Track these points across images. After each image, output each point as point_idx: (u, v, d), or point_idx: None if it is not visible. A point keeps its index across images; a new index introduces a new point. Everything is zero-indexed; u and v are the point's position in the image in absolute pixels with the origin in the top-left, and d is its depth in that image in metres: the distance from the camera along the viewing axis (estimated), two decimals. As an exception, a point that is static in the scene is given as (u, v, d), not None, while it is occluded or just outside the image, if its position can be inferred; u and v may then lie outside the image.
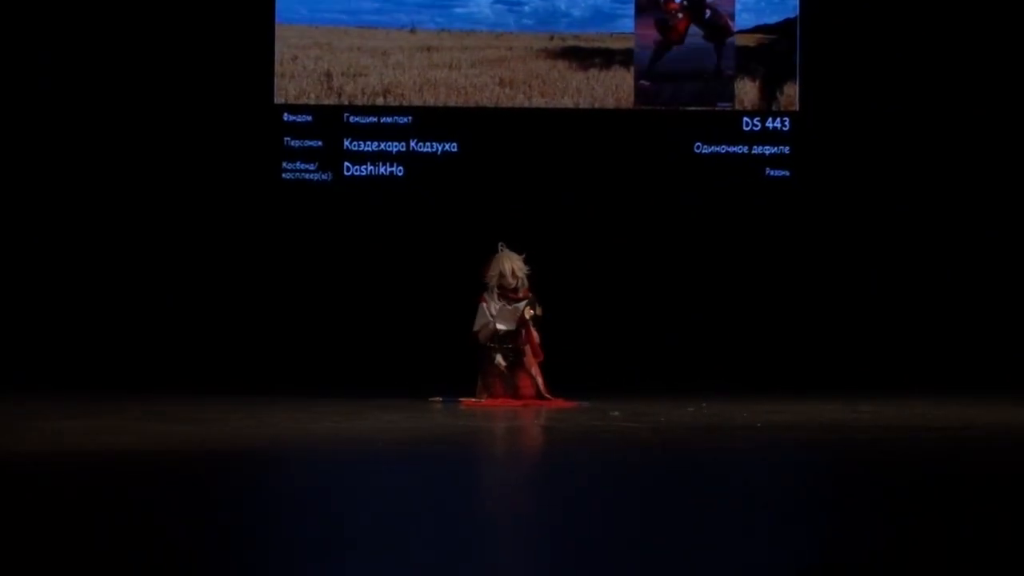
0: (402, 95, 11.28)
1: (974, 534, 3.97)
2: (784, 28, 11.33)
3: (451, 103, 11.29)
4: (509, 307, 9.01)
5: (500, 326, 9.01)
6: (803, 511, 4.52)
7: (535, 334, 9.01)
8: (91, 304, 10.98)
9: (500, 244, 9.09)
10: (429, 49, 11.33)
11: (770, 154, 11.27)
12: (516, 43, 11.35)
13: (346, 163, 11.20)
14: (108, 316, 10.96)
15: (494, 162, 11.27)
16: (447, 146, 11.24)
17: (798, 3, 11.28)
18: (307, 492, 4.86)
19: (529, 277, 9.06)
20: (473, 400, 8.93)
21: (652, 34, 11.32)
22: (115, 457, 5.76)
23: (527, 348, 9.00)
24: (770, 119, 11.28)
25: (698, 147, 11.28)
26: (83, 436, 6.54)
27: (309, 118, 11.20)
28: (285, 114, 11.20)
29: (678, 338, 11.12)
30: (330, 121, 11.20)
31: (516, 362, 8.98)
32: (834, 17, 11.30)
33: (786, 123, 11.28)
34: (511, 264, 9.02)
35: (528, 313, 9.00)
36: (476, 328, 9.06)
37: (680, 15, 11.32)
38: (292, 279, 11.14)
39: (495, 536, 4.04)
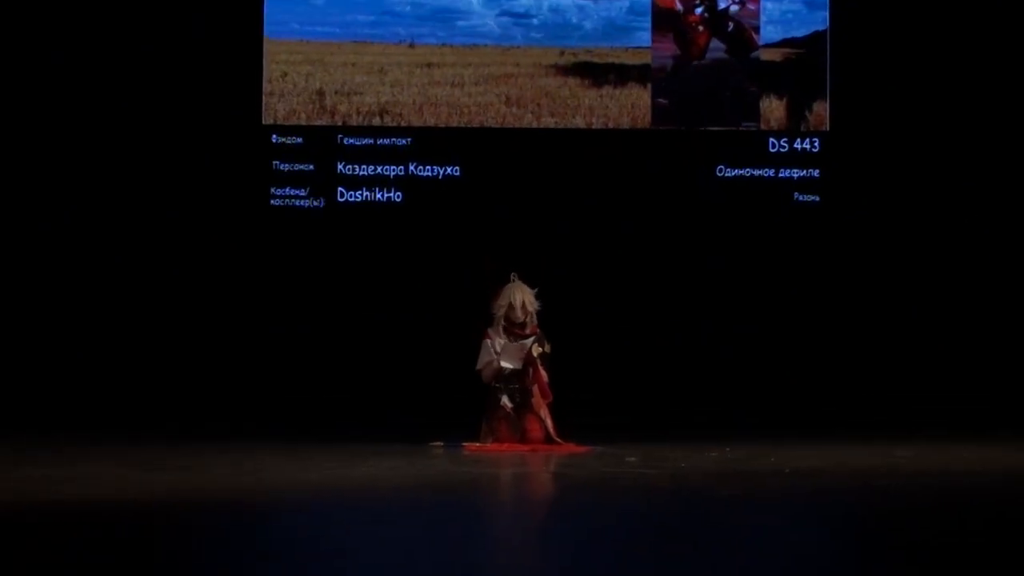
0: (400, 115, 11.33)
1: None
2: (813, 42, 11.37)
3: (453, 123, 11.33)
4: (515, 344, 9.03)
5: (506, 364, 9.02)
6: (825, 566, 4.55)
7: (543, 373, 9.02)
8: (67, 339, 11.01)
9: (513, 274, 9.10)
10: (429, 65, 11.38)
11: (798, 178, 11.29)
12: (524, 59, 11.40)
13: (340, 188, 11.24)
14: (84, 351, 10.98)
15: (500, 187, 11.30)
16: (449, 170, 11.28)
17: (828, 15, 11.32)
18: (300, 545, 4.90)
19: (539, 314, 9.08)
20: (477, 445, 8.93)
21: (670, 48, 11.37)
22: (90, 509, 5.77)
23: (535, 388, 9.01)
24: (798, 140, 11.31)
25: (721, 170, 11.31)
26: (54, 485, 6.55)
27: (300, 140, 11.24)
28: (274, 136, 11.24)
29: (701, 376, 11.13)
30: (322, 143, 11.24)
31: (523, 403, 8.98)
32: (866, 30, 11.33)
33: (815, 144, 11.30)
34: (522, 296, 9.02)
35: (536, 351, 9.01)
36: (479, 366, 9.07)
37: (700, 28, 11.38)
38: (282, 314, 11.16)
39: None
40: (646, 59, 11.38)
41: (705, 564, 4.45)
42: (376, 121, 11.31)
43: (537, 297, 9.04)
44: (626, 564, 4.46)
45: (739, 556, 4.61)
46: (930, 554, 4.61)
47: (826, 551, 4.82)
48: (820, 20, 11.37)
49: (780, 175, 11.27)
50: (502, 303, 9.01)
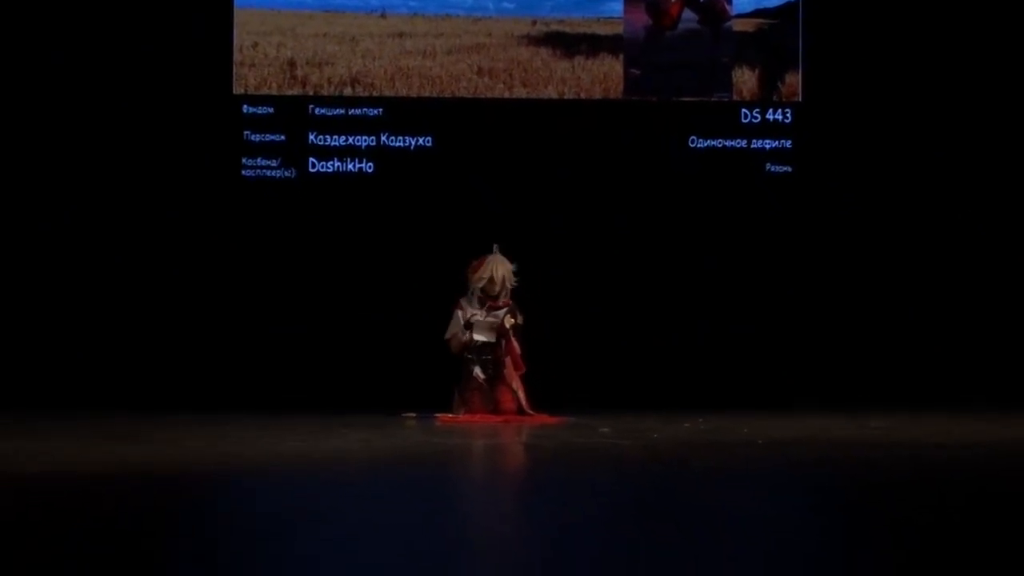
0: (372, 85, 11.21)
1: (992, 565, 3.91)
2: (785, 12, 11.29)
3: (425, 94, 11.22)
4: (488, 318, 8.97)
5: (478, 338, 8.97)
6: (804, 537, 4.47)
7: (516, 345, 8.98)
8: (32, 314, 10.87)
9: (495, 246, 9.06)
10: (401, 35, 11.26)
11: (771, 148, 11.23)
12: (495, 28, 11.29)
13: (311, 159, 11.13)
14: (50, 326, 10.85)
15: (472, 158, 11.20)
16: (421, 140, 11.18)
17: (800, -15, 11.26)
18: (267, 519, 4.79)
19: (513, 290, 9.06)
20: (450, 416, 8.89)
21: (643, 18, 11.27)
22: (57, 481, 5.68)
23: (508, 360, 8.95)
24: (771, 111, 11.24)
25: (693, 141, 11.23)
26: (21, 458, 6.46)
27: (271, 110, 11.12)
28: (245, 106, 11.12)
29: (673, 347, 11.07)
30: (294, 113, 11.12)
31: (496, 375, 8.95)
32: (839, 1, 11.26)
33: (788, 115, 11.24)
34: (503, 270, 9.00)
35: (508, 322, 8.97)
36: (447, 336, 9.02)
37: (673, -2, 11.27)
38: (252, 285, 11.05)
39: (473, 565, 3.98)
40: (618, 29, 11.28)
41: (690, 546, 4.34)
42: (348, 91, 11.18)
43: (515, 274, 9.02)
44: (609, 544, 4.35)
45: (723, 536, 4.50)
46: (915, 531, 4.52)
47: (808, 529, 4.72)
48: (793, -10, 11.30)
49: (752, 146, 11.20)
50: (483, 275, 8.98)
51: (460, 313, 9.04)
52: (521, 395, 8.94)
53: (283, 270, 11.07)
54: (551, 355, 9.55)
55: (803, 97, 11.22)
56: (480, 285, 8.99)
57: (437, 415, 8.87)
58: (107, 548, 4.20)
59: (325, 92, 11.16)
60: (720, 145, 11.21)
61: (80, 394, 10.24)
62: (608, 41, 11.26)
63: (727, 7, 11.26)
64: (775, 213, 11.24)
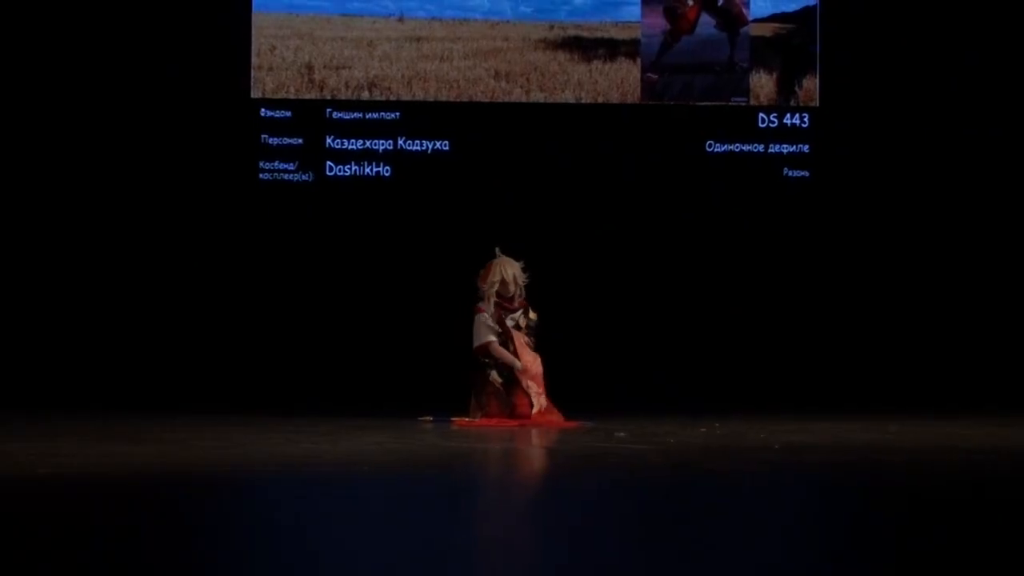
0: (389, 89, 11.18)
1: (1001, 570, 3.84)
2: (803, 17, 11.26)
3: (442, 98, 11.19)
4: (527, 336, 8.90)
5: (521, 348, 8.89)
6: (821, 542, 4.40)
7: (522, 341, 8.87)
8: (47, 314, 10.86)
9: (497, 249, 8.99)
10: (419, 39, 11.24)
11: (788, 153, 11.18)
12: (513, 33, 11.25)
13: (328, 162, 11.11)
14: (66, 327, 10.84)
15: (489, 161, 11.18)
16: (438, 144, 11.15)
17: (818, -10, 11.23)
18: (278, 523, 4.73)
19: (526, 287, 8.99)
20: (466, 419, 8.82)
21: (660, 23, 11.23)
22: (67, 482, 5.63)
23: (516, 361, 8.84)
24: (788, 115, 11.20)
25: (710, 145, 11.19)
26: (34, 459, 6.42)
27: (288, 114, 11.11)
28: (263, 109, 11.11)
29: (689, 352, 11.03)
30: (311, 117, 11.12)
31: (512, 378, 8.87)
32: (856, 5, 11.23)
33: (805, 119, 11.19)
34: (512, 270, 8.93)
35: (523, 322, 8.91)
36: (480, 342, 8.88)
37: (690, 2, 11.24)
38: (269, 288, 11.04)
39: (485, 570, 3.92)
40: (636, 34, 11.24)
41: (703, 551, 4.27)
42: (365, 95, 11.16)
43: (524, 270, 8.95)
44: (622, 550, 4.28)
45: (736, 542, 4.43)
46: (923, 535, 4.44)
47: (821, 535, 4.65)
48: (811, -5, 11.27)
49: (770, 150, 11.17)
50: (494, 280, 8.89)
51: (485, 317, 8.93)
52: (541, 399, 8.85)
53: (299, 274, 11.05)
54: (568, 359, 9.48)
55: (821, 101, 11.19)
56: (494, 290, 8.91)
57: (453, 418, 8.81)
58: (111, 549, 4.15)
59: (342, 96, 11.14)
60: (738, 150, 11.17)
61: (93, 395, 10.22)
62: (625, 45, 11.22)
63: (744, 11, 11.22)
64: (793, 218, 11.20)
